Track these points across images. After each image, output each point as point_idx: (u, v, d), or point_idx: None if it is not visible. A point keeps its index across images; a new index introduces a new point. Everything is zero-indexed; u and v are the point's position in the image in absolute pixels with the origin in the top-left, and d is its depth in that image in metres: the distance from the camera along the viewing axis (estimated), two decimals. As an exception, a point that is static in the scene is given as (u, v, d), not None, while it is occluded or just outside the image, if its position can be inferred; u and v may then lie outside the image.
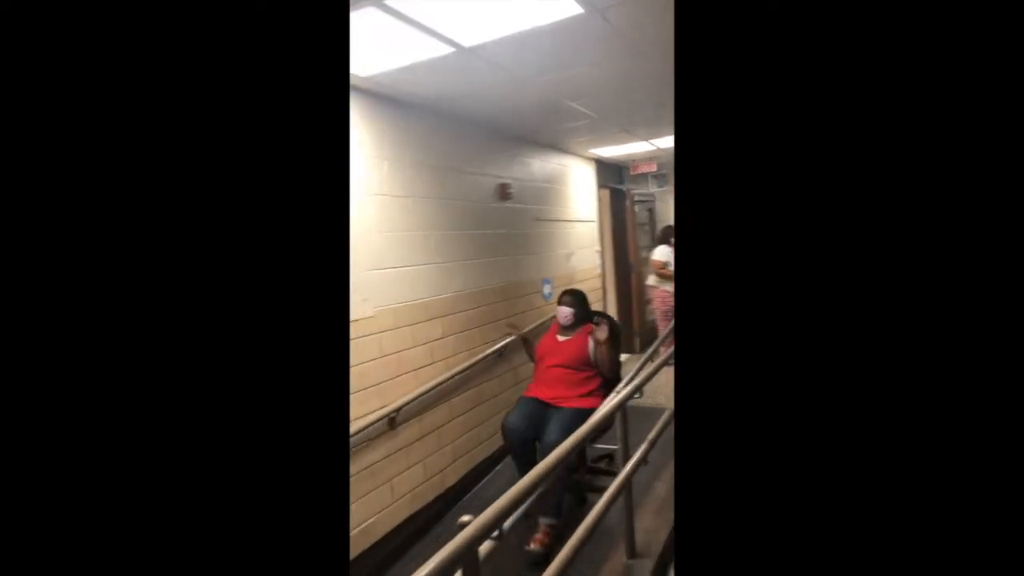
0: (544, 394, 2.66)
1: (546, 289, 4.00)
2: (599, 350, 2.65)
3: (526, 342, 3.04)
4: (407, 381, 2.66)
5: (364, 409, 2.40)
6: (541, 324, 3.68)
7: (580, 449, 2.55)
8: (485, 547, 1.32)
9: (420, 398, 2.70)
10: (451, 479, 2.97)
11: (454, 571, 1.07)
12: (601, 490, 2.33)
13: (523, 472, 1.70)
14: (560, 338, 2.82)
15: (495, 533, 1.21)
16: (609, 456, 2.89)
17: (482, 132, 3.31)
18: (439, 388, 2.83)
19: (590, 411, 2.02)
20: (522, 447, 2.49)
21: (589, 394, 2.62)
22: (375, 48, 1.98)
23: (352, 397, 2.34)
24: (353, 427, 2.30)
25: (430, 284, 2.86)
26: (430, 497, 2.81)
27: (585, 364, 2.70)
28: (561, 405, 2.58)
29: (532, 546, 2.20)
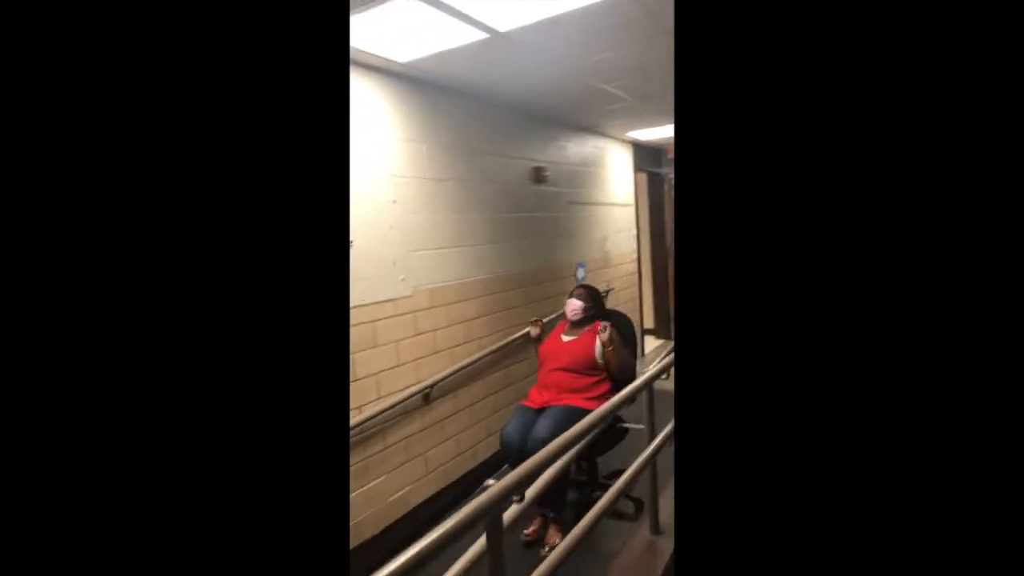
0: (541, 399, 2.46)
1: (580, 273, 4.03)
2: (606, 352, 2.44)
3: (537, 340, 2.79)
4: (442, 359, 2.76)
5: (400, 384, 2.51)
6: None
7: (590, 461, 2.42)
8: (510, 513, 1.40)
9: (454, 375, 2.79)
10: (483, 455, 3.06)
11: (478, 529, 1.15)
12: (616, 515, 2.29)
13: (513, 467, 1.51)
14: (565, 338, 2.60)
15: (516, 497, 1.28)
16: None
17: (518, 115, 3.34)
18: (473, 366, 2.92)
19: (588, 411, 1.85)
20: (519, 458, 2.18)
21: (594, 399, 2.35)
22: (412, 34, 2.04)
23: (389, 372, 2.45)
24: (389, 401, 2.41)
25: (466, 265, 2.93)
26: (462, 471, 2.91)
27: (591, 367, 2.46)
28: (554, 404, 2.38)
29: (546, 548, 2.20)
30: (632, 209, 5.04)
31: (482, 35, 2.05)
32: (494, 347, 3.06)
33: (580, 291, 2.70)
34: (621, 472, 2.41)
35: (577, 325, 2.62)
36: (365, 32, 1.98)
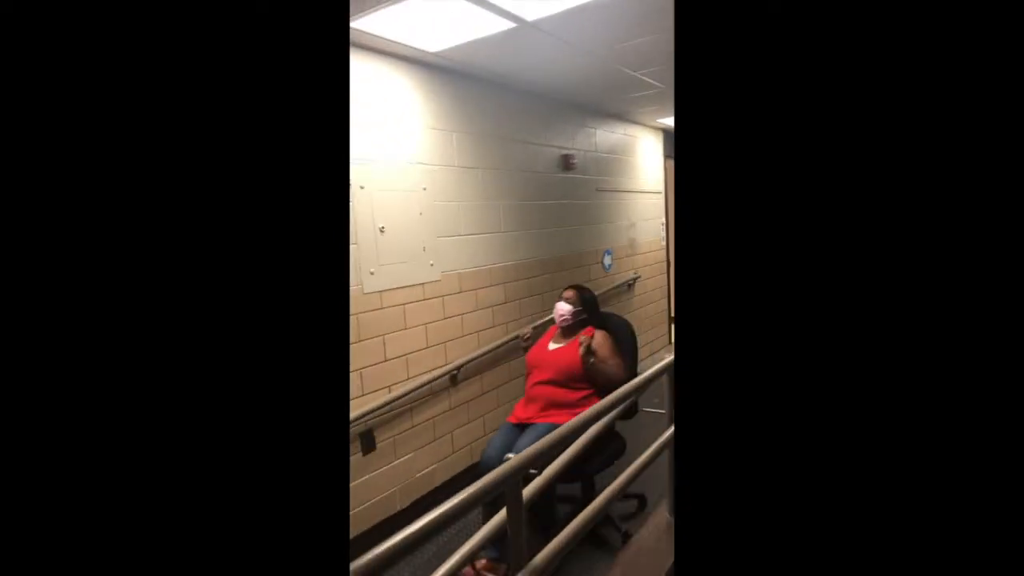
0: (525, 415, 2.27)
1: (607, 260, 4.05)
2: (586, 366, 2.16)
3: (528, 345, 2.59)
4: (470, 341, 2.84)
5: (428, 365, 2.59)
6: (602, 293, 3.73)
7: (587, 481, 2.23)
8: (529, 490, 1.46)
9: (480, 358, 2.87)
10: (508, 436, 3.14)
11: (498, 498, 1.21)
12: (599, 542, 2.19)
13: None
14: (552, 346, 2.36)
15: (533, 470, 1.34)
16: (639, 497, 2.44)
17: (547, 103, 3.36)
18: (499, 350, 2.99)
19: None
20: None
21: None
22: (441, 25, 2.09)
23: (417, 354, 2.54)
24: (417, 381, 2.50)
25: (495, 252, 2.99)
26: (487, 451, 3.00)
27: (580, 380, 2.23)
28: (535, 422, 2.18)
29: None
30: (661, 196, 5.01)
31: (511, 24, 2.09)
32: (519, 332, 3.12)
33: (570, 293, 2.42)
34: (625, 494, 2.19)
35: (567, 332, 2.38)
36: (396, 23, 2.04)
